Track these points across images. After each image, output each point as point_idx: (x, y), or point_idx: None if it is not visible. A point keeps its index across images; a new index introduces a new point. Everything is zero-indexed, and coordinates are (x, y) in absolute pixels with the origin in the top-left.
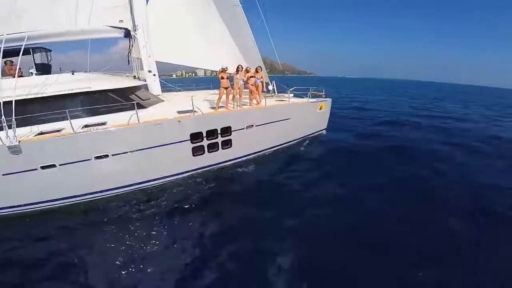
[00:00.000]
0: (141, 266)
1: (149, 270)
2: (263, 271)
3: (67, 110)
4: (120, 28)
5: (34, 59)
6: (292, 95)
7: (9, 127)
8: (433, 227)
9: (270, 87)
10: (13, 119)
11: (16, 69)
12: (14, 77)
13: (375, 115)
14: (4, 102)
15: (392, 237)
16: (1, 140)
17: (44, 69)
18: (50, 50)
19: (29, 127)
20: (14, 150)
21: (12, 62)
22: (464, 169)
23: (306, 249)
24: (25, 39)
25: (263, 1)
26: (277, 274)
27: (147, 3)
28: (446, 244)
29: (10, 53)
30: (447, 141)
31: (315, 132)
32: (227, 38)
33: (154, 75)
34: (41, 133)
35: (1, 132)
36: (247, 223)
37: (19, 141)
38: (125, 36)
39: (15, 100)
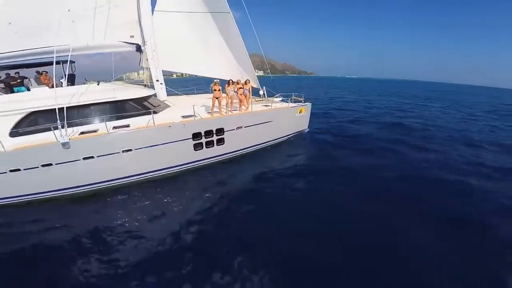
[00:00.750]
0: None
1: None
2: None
3: (104, 116)
4: (132, 43)
5: (64, 70)
6: (280, 99)
7: (62, 126)
8: (372, 221)
9: (261, 92)
10: (65, 122)
11: (49, 78)
12: (48, 86)
13: (351, 115)
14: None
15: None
16: (56, 138)
17: (71, 79)
18: (74, 62)
19: (71, 128)
20: (65, 145)
21: (46, 72)
22: (409, 164)
23: (280, 238)
24: (70, 51)
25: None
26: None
27: (152, 14)
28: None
29: (42, 64)
30: (400, 139)
31: (297, 132)
32: (224, 50)
33: (161, 83)
34: (82, 133)
35: (56, 131)
36: (230, 205)
37: (69, 139)
38: (136, 50)
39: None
